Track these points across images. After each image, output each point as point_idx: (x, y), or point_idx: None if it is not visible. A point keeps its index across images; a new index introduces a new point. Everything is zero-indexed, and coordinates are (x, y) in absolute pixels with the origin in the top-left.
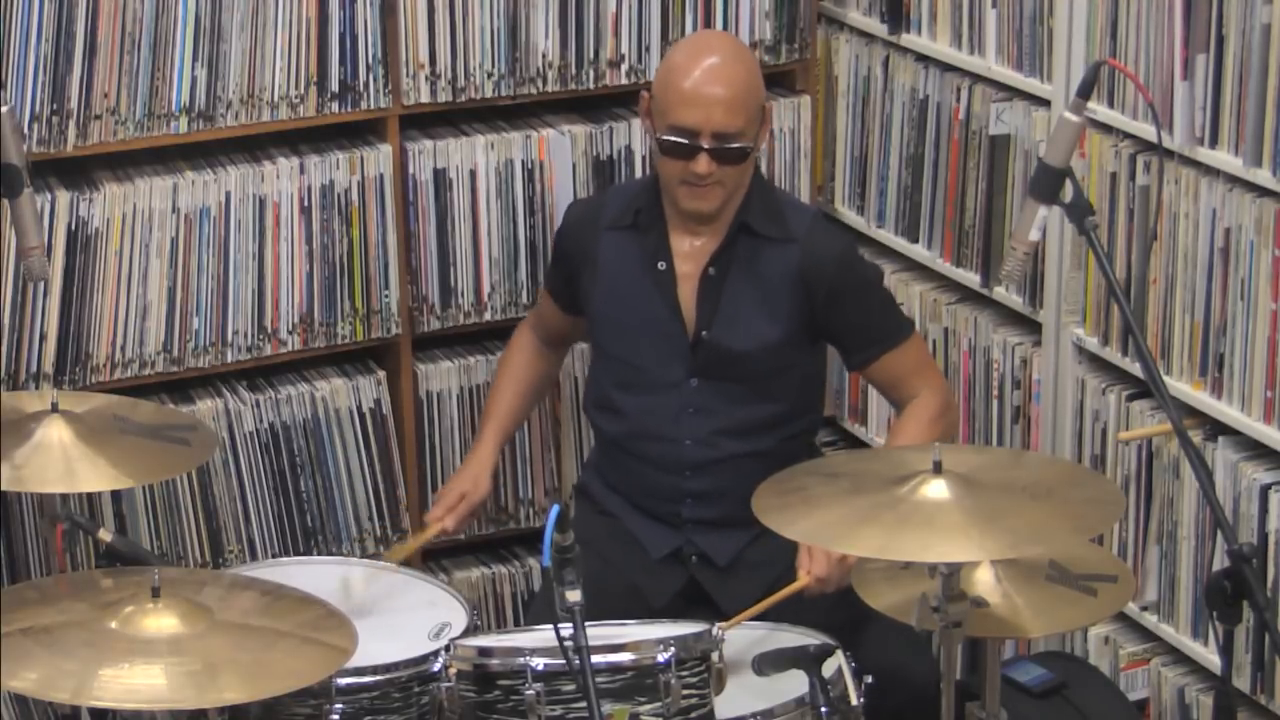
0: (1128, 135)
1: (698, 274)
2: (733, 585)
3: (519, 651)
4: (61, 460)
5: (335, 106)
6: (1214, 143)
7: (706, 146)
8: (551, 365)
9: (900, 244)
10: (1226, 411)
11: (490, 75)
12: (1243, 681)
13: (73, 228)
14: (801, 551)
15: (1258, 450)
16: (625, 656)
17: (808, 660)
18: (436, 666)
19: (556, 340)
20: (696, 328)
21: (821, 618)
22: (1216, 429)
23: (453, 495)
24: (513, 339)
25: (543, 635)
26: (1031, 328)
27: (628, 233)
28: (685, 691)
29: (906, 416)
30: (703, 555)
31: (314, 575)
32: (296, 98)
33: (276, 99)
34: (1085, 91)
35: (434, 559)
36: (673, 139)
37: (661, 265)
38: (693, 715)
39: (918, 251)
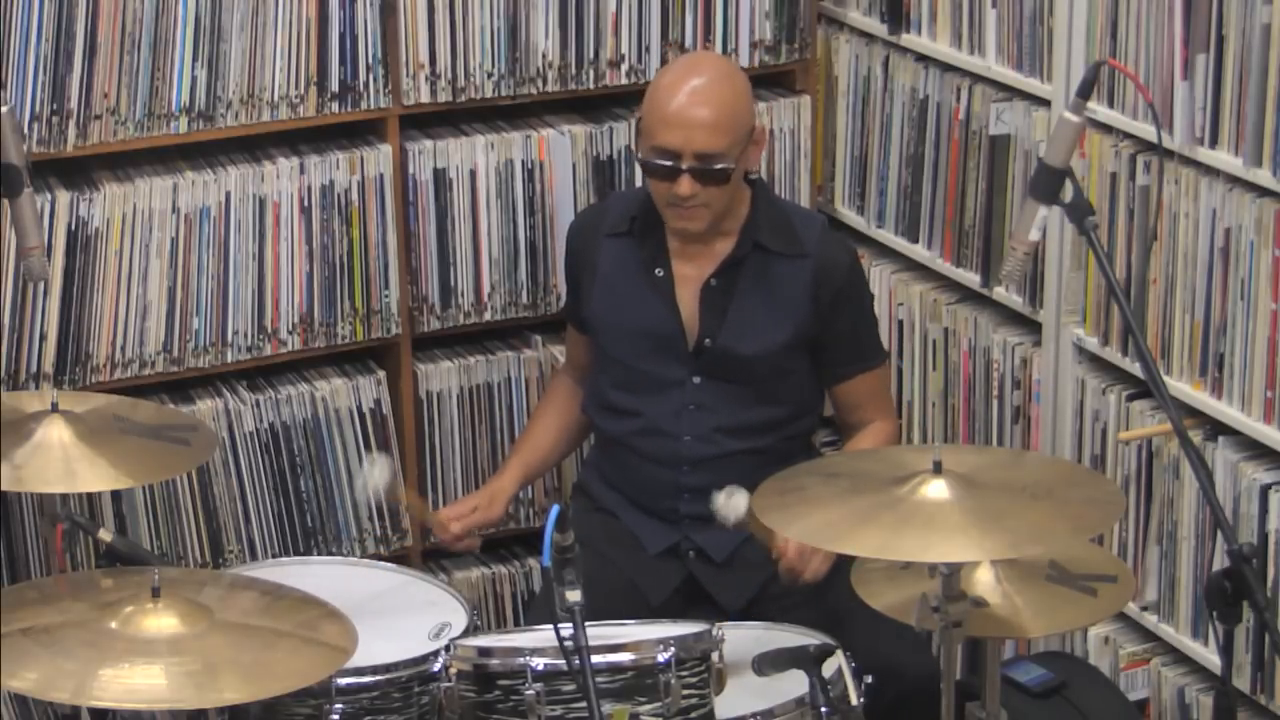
0: (1128, 135)
1: (699, 281)
2: (730, 581)
3: (519, 651)
4: (61, 460)
5: (335, 106)
6: (1214, 143)
7: (686, 167)
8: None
9: (900, 244)
10: (1226, 411)
11: (490, 75)
12: (1243, 681)
13: (73, 228)
14: (778, 537)
15: (1258, 450)
16: (625, 656)
17: (808, 660)
18: (436, 666)
19: (588, 374)
20: (700, 335)
21: (815, 612)
22: (1216, 429)
23: (466, 505)
24: (549, 384)
25: (543, 635)
26: (1031, 328)
27: (626, 239)
28: (685, 691)
29: (866, 437)
30: (700, 551)
31: (314, 575)
32: (296, 98)
33: (276, 99)
34: (1085, 91)
35: (434, 559)
36: (654, 161)
37: (659, 272)
38: (693, 715)
39: (918, 251)
